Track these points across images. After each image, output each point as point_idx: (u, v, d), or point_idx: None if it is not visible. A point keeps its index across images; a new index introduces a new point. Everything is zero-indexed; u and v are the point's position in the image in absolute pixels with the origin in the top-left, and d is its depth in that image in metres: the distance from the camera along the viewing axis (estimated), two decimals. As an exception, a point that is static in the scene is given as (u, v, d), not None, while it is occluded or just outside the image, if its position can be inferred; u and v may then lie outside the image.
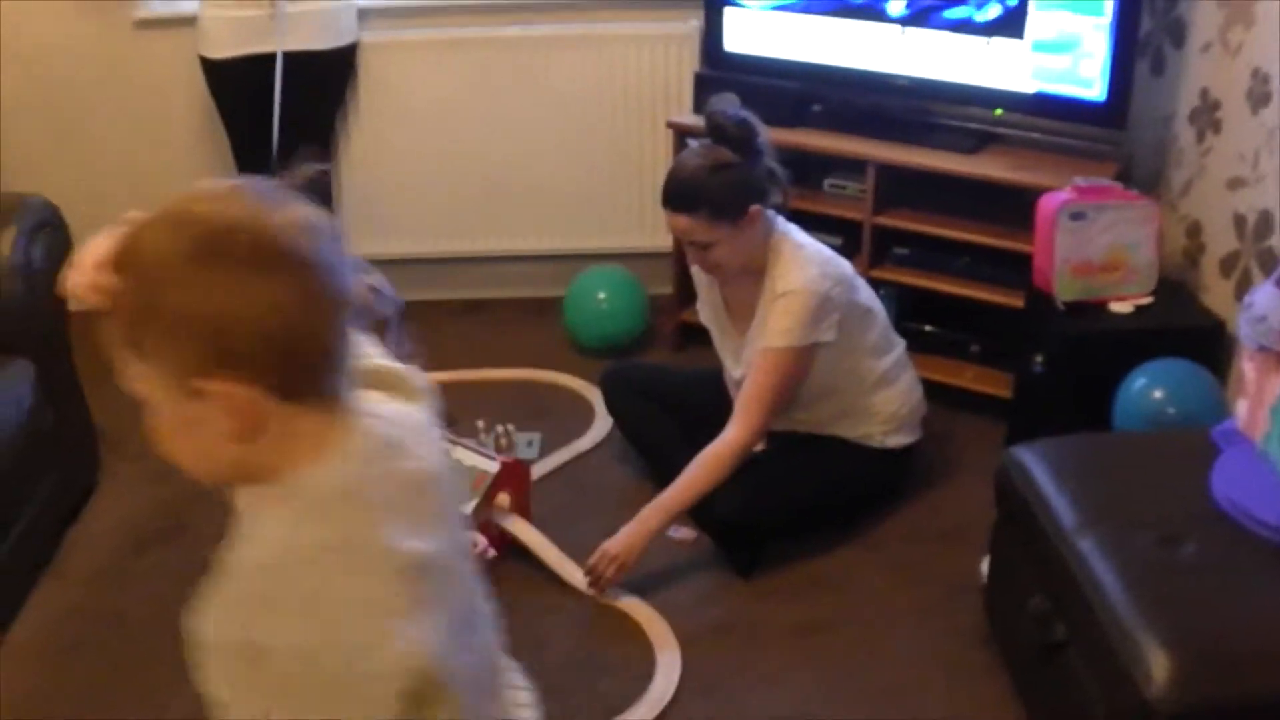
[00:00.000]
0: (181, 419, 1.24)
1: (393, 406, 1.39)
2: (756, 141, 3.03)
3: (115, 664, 2.94)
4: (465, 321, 4.44)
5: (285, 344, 1.21)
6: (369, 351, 1.47)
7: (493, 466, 3.14)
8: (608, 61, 4.22)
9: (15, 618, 3.06)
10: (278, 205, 1.25)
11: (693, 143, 3.13)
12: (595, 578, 3.05)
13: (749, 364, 3.15)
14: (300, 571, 1.24)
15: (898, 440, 3.30)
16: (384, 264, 4.45)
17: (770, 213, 3.10)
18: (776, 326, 3.04)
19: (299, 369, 1.24)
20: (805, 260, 3.07)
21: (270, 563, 1.25)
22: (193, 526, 3.43)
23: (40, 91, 4.37)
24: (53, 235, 3.31)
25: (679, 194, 3.04)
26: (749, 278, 3.13)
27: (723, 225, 3.02)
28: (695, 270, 3.32)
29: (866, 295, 3.23)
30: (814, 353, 3.08)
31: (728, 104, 3.06)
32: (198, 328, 1.19)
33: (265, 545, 1.26)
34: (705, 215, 3.01)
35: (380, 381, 1.43)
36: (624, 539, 3.06)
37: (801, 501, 3.21)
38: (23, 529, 3.10)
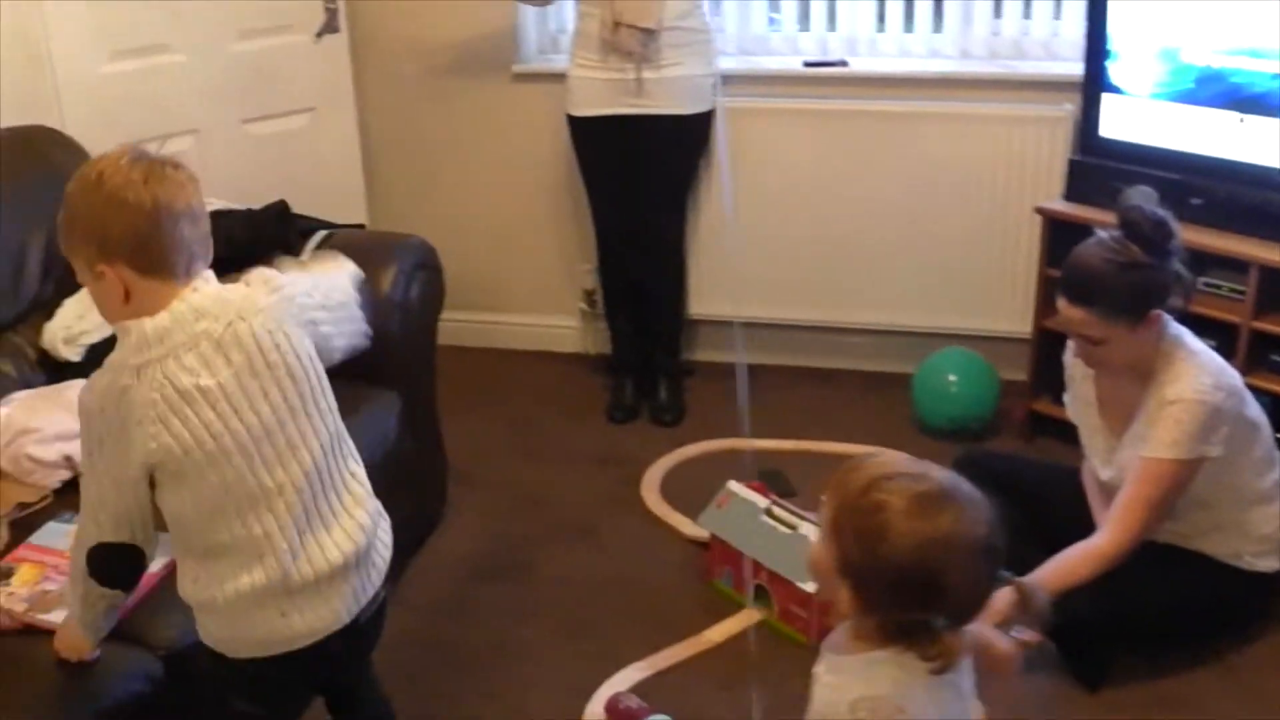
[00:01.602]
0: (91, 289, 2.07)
1: (224, 289, 2.07)
2: (1171, 244, 2.89)
3: (448, 696, 3.02)
4: (813, 390, 4.41)
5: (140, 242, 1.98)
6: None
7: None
8: (977, 140, 4.15)
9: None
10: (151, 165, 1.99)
11: (1101, 233, 2.98)
12: None
13: (1122, 467, 3.02)
14: (111, 374, 2.02)
15: (1269, 564, 3.09)
16: (735, 326, 4.50)
17: (1166, 315, 2.97)
18: (1164, 437, 2.90)
19: (149, 258, 1.99)
20: (1199, 369, 2.92)
21: (109, 362, 2.03)
22: (533, 565, 3.52)
23: (419, 136, 4.60)
24: (428, 275, 3.44)
25: (1080, 286, 2.93)
26: (1132, 377, 3.00)
27: (1120, 324, 2.90)
28: (1072, 362, 3.20)
29: (1254, 409, 3.05)
30: (1199, 466, 2.93)
31: (1144, 199, 2.91)
32: (88, 232, 1.99)
33: (113, 355, 2.03)
34: (1103, 311, 2.89)
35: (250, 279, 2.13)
36: None
37: (1158, 616, 3.04)
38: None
